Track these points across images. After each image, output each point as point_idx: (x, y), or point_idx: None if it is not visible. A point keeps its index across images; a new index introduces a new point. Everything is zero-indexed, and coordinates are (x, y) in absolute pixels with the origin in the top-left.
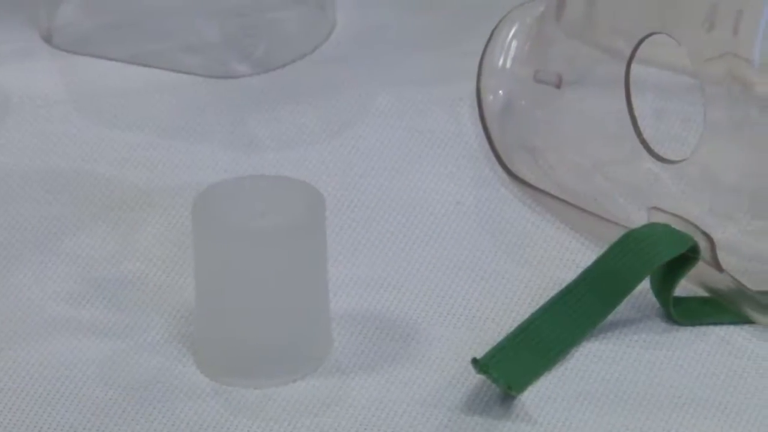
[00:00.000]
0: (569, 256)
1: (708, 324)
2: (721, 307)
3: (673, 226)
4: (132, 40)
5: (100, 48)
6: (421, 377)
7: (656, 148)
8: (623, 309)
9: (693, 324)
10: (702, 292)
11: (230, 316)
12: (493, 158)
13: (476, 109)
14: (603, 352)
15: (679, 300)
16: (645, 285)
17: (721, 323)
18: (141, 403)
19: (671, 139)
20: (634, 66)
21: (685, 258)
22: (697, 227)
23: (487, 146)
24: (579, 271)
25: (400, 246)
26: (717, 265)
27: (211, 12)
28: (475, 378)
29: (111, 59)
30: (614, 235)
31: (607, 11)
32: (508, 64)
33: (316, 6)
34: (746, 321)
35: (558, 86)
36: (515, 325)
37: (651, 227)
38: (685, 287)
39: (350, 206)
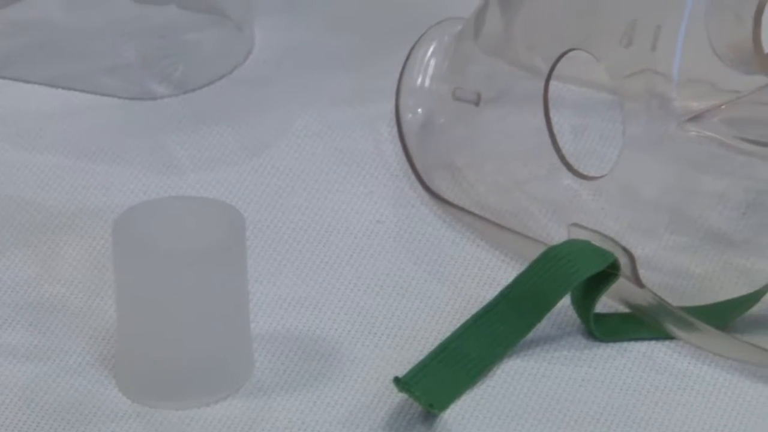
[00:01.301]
0: (489, 274)
1: (629, 340)
2: (642, 323)
3: (593, 242)
4: (51, 62)
5: (19, 71)
6: (343, 397)
7: (576, 165)
8: (544, 326)
9: (614, 340)
10: (623, 308)
11: (151, 337)
12: (413, 177)
13: (395, 127)
14: (525, 369)
15: (600, 316)
16: (566, 301)
17: (643, 339)
18: (64, 426)
19: (590, 156)
20: (552, 83)
21: (605, 274)
22: (617, 243)
23: (406, 165)
24: (499, 288)
25: (320, 265)
26: (637, 281)
27: (129, 33)
28: (398, 396)
29: (29, 82)
30: (534, 252)
31: (524, 28)
32: (427, 83)
33: (234, 26)
34: (667, 337)
35: (477, 104)
36: (436, 343)
37: (571, 244)
38: (606, 303)
39: (270, 226)
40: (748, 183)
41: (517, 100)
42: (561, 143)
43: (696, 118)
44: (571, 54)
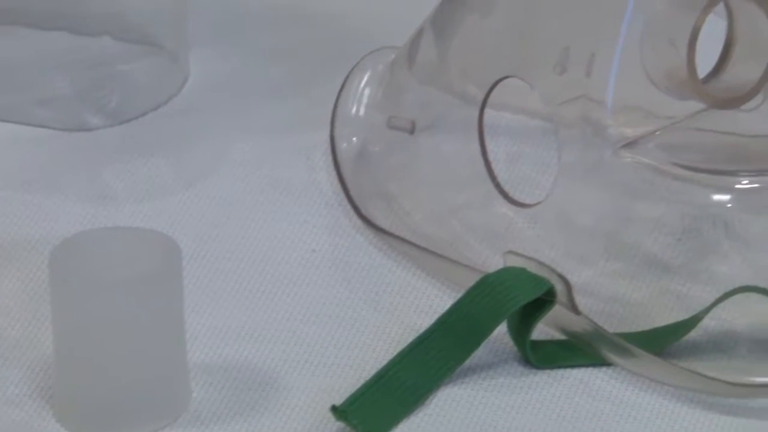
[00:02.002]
0: (426, 302)
1: (566, 367)
2: (579, 350)
3: (529, 269)
4: None
5: None
6: (280, 426)
7: (511, 192)
8: (481, 353)
9: (551, 367)
10: (559, 335)
11: (88, 368)
12: (348, 205)
13: (330, 156)
14: (461, 397)
15: (537, 343)
16: (502, 329)
17: (579, 366)
18: None
19: (526, 183)
20: (487, 110)
21: (541, 301)
22: (553, 270)
23: (341, 193)
24: (436, 316)
25: (256, 295)
26: (574, 308)
27: (63, 65)
28: (335, 425)
29: None
30: (470, 280)
31: (458, 57)
32: (362, 112)
33: (168, 57)
34: (604, 363)
35: (411, 132)
36: (373, 371)
37: (507, 271)
38: (543, 330)
39: (207, 256)
40: (684, 209)
41: (451, 128)
42: (496, 171)
43: (631, 144)
44: (505, 81)
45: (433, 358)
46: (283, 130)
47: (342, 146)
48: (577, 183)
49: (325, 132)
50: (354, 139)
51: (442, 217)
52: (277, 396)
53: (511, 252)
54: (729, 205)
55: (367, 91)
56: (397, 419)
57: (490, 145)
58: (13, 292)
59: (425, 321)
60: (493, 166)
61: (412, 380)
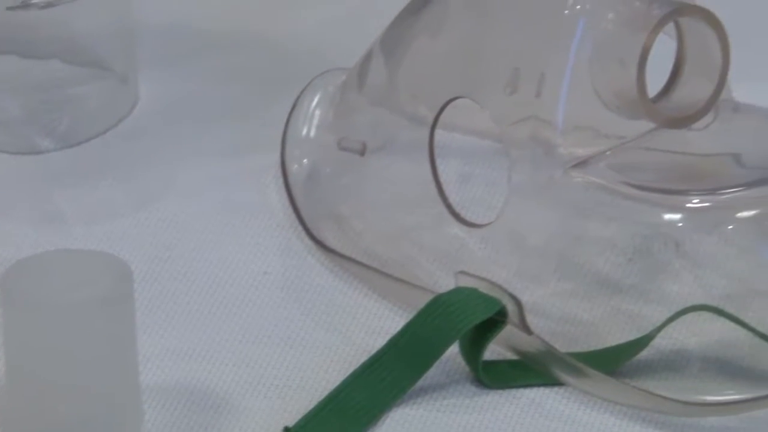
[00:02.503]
0: (377, 323)
1: (518, 387)
2: (531, 370)
3: (480, 289)
4: None
5: None
6: None
7: (462, 213)
8: (433, 374)
9: (503, 387)
10: (511, 355)
11: (40, 391)
12: (300, 227)
13: (281, 178)
14: (414, 418)
15: (489, 363)
16: (454, 349)
17: (532, 386)
18: None
19: (477, 204)
20: (437, 131)
21: (493, 321)
22: (504, 290)
23: (293, 215)
24: (388, 337)
25: (209, 317)
26: (526, 328)
27: (13, 88)
28: None
29: None
30: (422, 300)
31: (408, 78)
32: (312, 133)
33: (118, 80)
34: (556, 383)
35: (362, 153)
36: (325, 392)
37: (458, 292)
38: (495, 350)
39: (158, 278)
40: (635, 228)
41: (402, 149)
42: (447, 191)
43: (581, 164)
44: (455, 102)
45: (385, 379)
46: (233, 152)
47: (293, 168)
48: (528, 203)
49: (275, 154)
50: (305, 160)
51: (393, 238)
52: (230, 418)
53: (462, 272)
54: (680, 225)
55: (317, 113)
56: None
57: (440, 166)
58: None
59: (377, 342)
60: (444, 186)
61: (364, 401)
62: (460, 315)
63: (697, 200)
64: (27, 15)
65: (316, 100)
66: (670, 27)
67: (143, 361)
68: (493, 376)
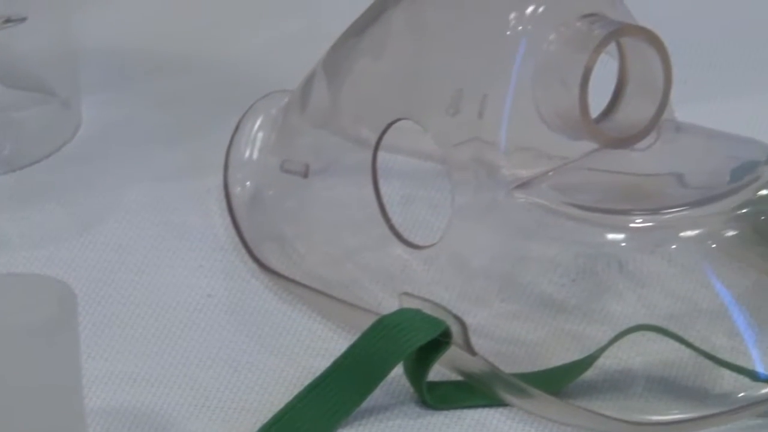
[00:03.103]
0: (322, 345)
1: (463, 407)
2: (476, 391)
3: (424, 311)
4: None
5: None
6: None
7: (405, 235)
8: (378, 395)
9: (448, 408)
10: (456, 376)
11: None
12: (243, 250)
13: (225, 201)
14: None
15: (433, 384)
16: (398, 370)
17: (476, 406)
18: None
19: (420, 225)
20: (380, 153)
21: (437, 342)
22: (448, 311)
23: (236, 238)
24: (332, 358)
25: (153, 340)
26: (470, 349)
27: None
28: None
29: None
30: (366, 322)
31: (351, 100)
32: (255, 156)
33: (60, 104)
34: (501, 403)
35: (305, 176)
36: (270, 414)
37: (402, 313)
38: (439, 371)
39: (102, 302)
40: (578, 249)
41: (345, 171)
42: (390, 213)
43: (524, 185)
44: (398, 124)
45: (330, 401)
46: (176, 176)
47: (236, 190)
48: (471, 224)
49: (218, 176)
50: (248, 183)
51: (337, 260)
52: None
53: (406, 293)
54: (623, 244)
55: (260, 135)
56: None
57: (383, 188)
58: None
59: (322, 364)
60: (387, 208)
61: (309, 423)
62: (404, 336)
63: (640, 220)
64: None
65: (258, 122)
66: (612, 47)
67: (88, 385)
68: (438, 397)
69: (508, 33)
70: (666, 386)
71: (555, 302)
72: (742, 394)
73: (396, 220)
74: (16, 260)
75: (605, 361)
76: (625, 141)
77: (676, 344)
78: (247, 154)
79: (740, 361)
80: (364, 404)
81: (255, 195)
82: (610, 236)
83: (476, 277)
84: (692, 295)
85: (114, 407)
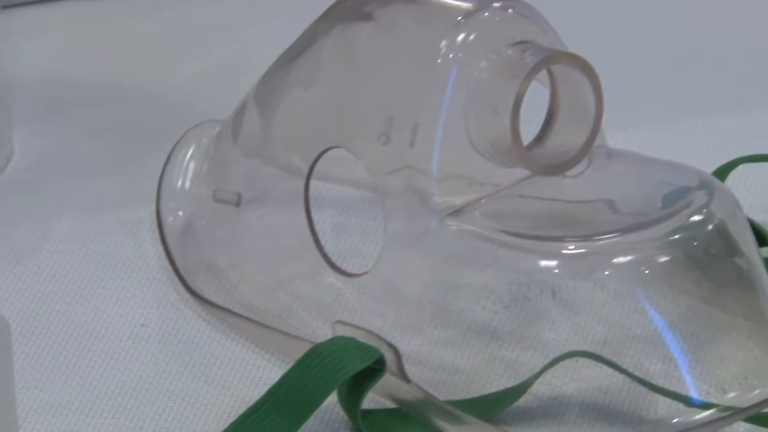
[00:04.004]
0: (256, 374)
1: None
2: (410, 418)
3: (358, 339)
4: None
5: None
6: None
7: (338, 263)
8: (312, 423)
9: None
10: (390, 404)
11: None
12: (176, 279)
13: (157, 230)
14: None
15: (368, 412)
16: (333, 398)
17: None
18: None
19: (353, 254)
20: (312, 182)
21: (371, 370)
22: (382, 339)
23: (169, 267)
24: (266, 387)
25: (87, 370)
26: (404, 377)
27: None
28: None
29: None
30: (300, 350)
31: (282, 129)
32: (187, 185)
33: None
34: (435, 431)
35: (237, 205)
36: None
37: (336, 341)
38: (373, 399)
39: (35, 332)
40: (511, 276)
41: (277, 200)
42: (323, 241)
43: (457, 212)
44: (330, 152)
45: (264, 430)
46: (108, 206)
47: (168, 220)
48: (403, 252)
49: (151, 206)
50: (180, 212)
51: (270, 289)
52: None
53: (339, 322)
54: (556, 271)
55: (192, 165)
56: None
57: (316, 216)
58: None
59: (256, 393)
60: (320, 236)
61: None
62: (338, 364)
63: (573, 247)
64: None
65: (190, 152)
66: (543, 74)
67: (22, 416)
68: (373, 425)
69: (439, 61)
70: (600, 412)
71: (488, 329)
72: (676, 420)
73: (329, 248)
74: None
75: (539, 388)
76: (557, 168)
77: (610, 370)
78: (179, 183)
79: (674, 387)
80: None
81: (187, 224)
82: (543, 263)
83: (409, 304)
84: (625, 321)
85: None
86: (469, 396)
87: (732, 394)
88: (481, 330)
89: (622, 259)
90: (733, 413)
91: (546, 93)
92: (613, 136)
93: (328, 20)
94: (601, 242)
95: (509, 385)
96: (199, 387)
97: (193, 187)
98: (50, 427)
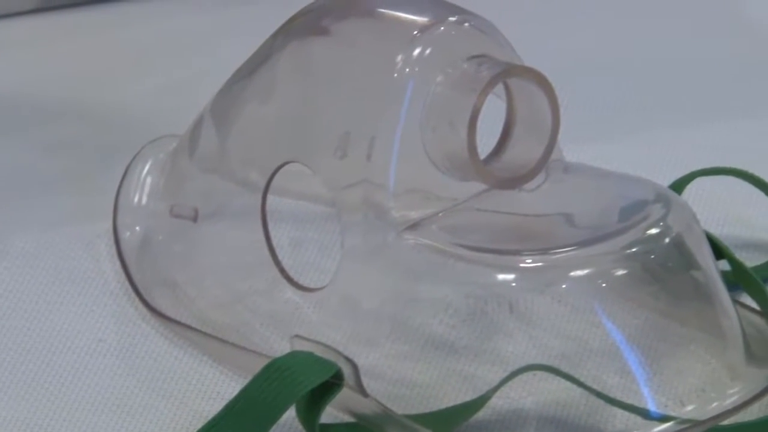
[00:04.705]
0: (214, 388)
1: None
2: None
3: (316, 353)
4: None
5: None
6: None
7: (296, 277)
8: None
9: None
10: (348, 418)
11: None
12: (134, 294)
13: (114, 246)
14: None
15: (326, 427)
16: (291, 413)
17: None
18: None
19: (310, 268)
20: (269, 196)
21: (329, 384)
22: (340, 353)
23: (126, 283)
24: (224, 402)
25: (45, 386)
26: (361, 391)
27: None
28: None
29: None
30: (258, 365)
31: (239, 144)
32: (144, 201)
33: None
34: None
35: (194, 220)
36: None
37: (294, 356)
38: (332, 414)
39: None
40: (469, 289)
41: (234, 215)
42: (280, 256)
43: (414, 226)
44: (287, 167)
45: None
46: (65, 222)
47: (125, 235)
48: (361, 266)
49: (108, 222)
50: (137, 228)
51: (227, 304)
52: None
53: (297, 336)
54: (513, 285)
55: (149, 180)
56: None
57: (273, 231)
58: None
59: (214, 407)
60: (277, 251)
61: None
62: (295, 379)
63: (530, 260)
64: None
65: (147, 167)
66: (499, 88)
67: None
68: None
69: (396, 75)
70: (558, 426)
71: (446, 343)
72: None
73: (286, 263)
74: None
75: (497, 402)
76: (514, 181)
77: (568, 384)
78: (136, 199)
79: (632, 400)
80: None
81: (145, 240)
82: (501, 277)
83: (367, 318)
84: (583, 335)
85: None
86: (426, 410)
87: (690, 407)
88: (439, 344)
89: (579, 273)
90: (691, 426)
91: (502, 107)
92: (569, 150)
93: (284, 35)
94: (558, 256)
95: (467, 398)
96: (157, 402)
97: (149, 202)
98: None
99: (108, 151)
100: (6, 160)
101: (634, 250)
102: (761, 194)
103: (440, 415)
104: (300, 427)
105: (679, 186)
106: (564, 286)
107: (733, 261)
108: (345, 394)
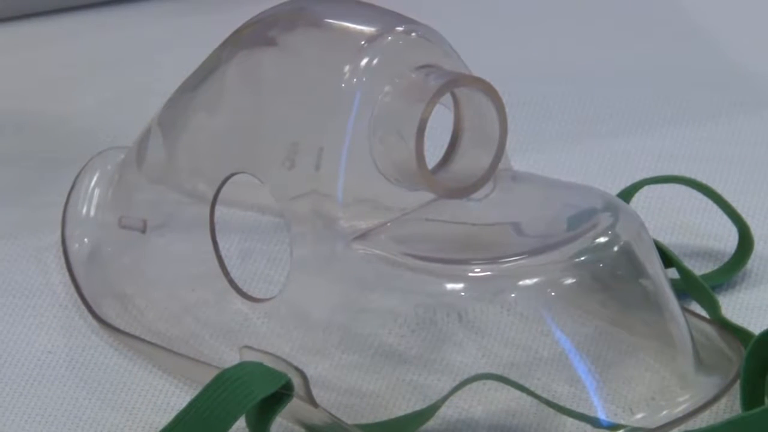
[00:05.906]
0: (164, 399)
1: None
2: None
3: (265, 363)
4: None
5: None
6: None
7: (245, 288)
8: None
9: None
10: (299, 429)
11: None
12: (82, 306)
13: (62, 258)
14: None
15: None
16: (240, 424)
17: None
18: None
19: (259, 279)
20: (218, 207)
21: (279, 395)
22: (289, 364)
23: (75, 295)
24: (174, 414)
25: None
26: (311, 401)
27: None
28: None
29: None
30: (207, 376)
31: (187, 154)
32: (92, 212)
33: None
34: None
35: (143, 231)
36: None
37: (243, 366)
38: (282, 424)
39: None
40: (418, 299)
41: (183, 226)
42: (229, 267)
43: (363, 236)
44: (235, 178)
45: None
46: (12, 234)
47: (74, 247)
48: (310, 277)
49: (56, 234)
50: (86, 239)
51: (176, 315)
52: None
53: (246, 347)
54: (462, 294)
55: (97, 192)
56: None
57: (222, 242)
58: None
59: (163, 419)
60: (226, 262)
61: None
62: (245, 390)
63: (479, 269)
64: None
65: (95, 179)
66: (447, 98)
67: None
68: None
69: (343, 85)
70: None
71: (395, 353)
72: None
73: (235, 273)
74: None
75: (447, 411)
76: (462, 191)
77: (518, 393)
78: (84, 210)
79: (582, 409)
80: None
81: (93, 251)
82: (449, 286)
83: (316, 329)
84: (532, 344)
85: None
86: (376, 420)
87: (640, 415)
88: (389, 354)
89: (528, 282)
90: None
91: (450, 116)
92: (517, 159)
93: (231, 45)
94: (507, 265)
95: (417, 408)
96: (107, 414)
97: (98, 214)
98: None
99: (56, 163)
100: None
101: (582, 258)
102: (709, 202)
103: (390, 424)
104: None
105: (627, 194)
106: (513, 295)
107: (681, 269)
108: (295, 405)
